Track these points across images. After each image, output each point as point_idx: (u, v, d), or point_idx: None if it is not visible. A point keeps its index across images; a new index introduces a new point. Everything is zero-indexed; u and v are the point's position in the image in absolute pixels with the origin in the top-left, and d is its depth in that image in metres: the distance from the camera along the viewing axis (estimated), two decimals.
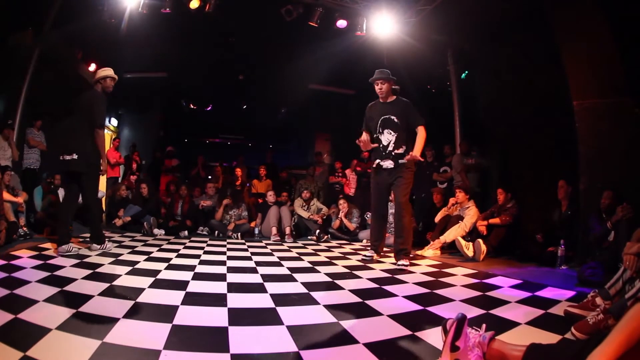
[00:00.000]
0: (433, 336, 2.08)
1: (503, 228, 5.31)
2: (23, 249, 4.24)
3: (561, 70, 5.11)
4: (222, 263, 4.22)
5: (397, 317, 2.43)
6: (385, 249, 5.26)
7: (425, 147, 4.96)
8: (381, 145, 4.72)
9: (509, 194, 5.57)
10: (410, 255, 4.68)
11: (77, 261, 3.76)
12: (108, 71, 4.70)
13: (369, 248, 5.09)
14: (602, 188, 4.42)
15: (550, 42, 5.30)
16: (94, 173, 4.52)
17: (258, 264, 4.27)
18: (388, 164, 4.67)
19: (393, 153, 4.63)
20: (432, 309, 2.66)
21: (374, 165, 4.82)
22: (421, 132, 4.54)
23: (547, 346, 1.73)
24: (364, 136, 4.75)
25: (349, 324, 2.26)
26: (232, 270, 3.83)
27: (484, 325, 1.85)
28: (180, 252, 4.86)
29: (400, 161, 4.60)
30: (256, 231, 7.26)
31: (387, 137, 4.68)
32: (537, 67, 5.91)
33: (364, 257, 4.81)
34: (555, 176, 5.25)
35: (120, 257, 4.16)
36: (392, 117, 4.63)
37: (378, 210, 4.94)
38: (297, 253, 5.25)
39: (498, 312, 2.62)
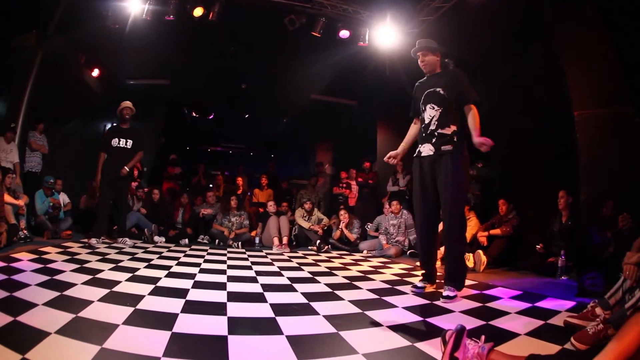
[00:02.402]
0: (432, 347, 2.07)
1: (503, 239, 5.31)
2: (23, 252, 4.26)
3: (562, 81, 5.12)
4: (223, 272, 4.21)
5: (397, 328, 2.42)
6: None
7: None
8: (423, 125, 3.61)
9: (511, 204, 5.57)
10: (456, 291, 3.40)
11: (77, 266, 3.76)
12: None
13: (421, 274, 3.77)
14: (603, 198, 4.43)
15: (550, 52, 5.34)
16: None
17: (258, 273, 4.26)
18: (427, 149, 3.50)
19: (436, 133, 3.46)
20: (432, 320, 2.65)
21: (415, 155, 3.68)
22: (473, 111, 3.38)
23: (546, 357, 1.73)
24: (398, 150, 3.81)
25: (348, 335, 2.26)
26: (232, 279, 3.82)
27: (482, 337, 1.85)
28: (180, 260, 4.85)
29: (443, 148, 3.41)
30: (256, 240, 7.26)
31: (430, 113, 3.52)
32: (538, 78, 5.93)
33: (413, 290, 3.57)
34: (556, 186, 5.24)
35: (121, 264, 4.16)
36: (437, 89, 3.50)
37: (420, 217, 3.64)
38: (298, 263, 5.23)
39: (497, 323, 2.61)
